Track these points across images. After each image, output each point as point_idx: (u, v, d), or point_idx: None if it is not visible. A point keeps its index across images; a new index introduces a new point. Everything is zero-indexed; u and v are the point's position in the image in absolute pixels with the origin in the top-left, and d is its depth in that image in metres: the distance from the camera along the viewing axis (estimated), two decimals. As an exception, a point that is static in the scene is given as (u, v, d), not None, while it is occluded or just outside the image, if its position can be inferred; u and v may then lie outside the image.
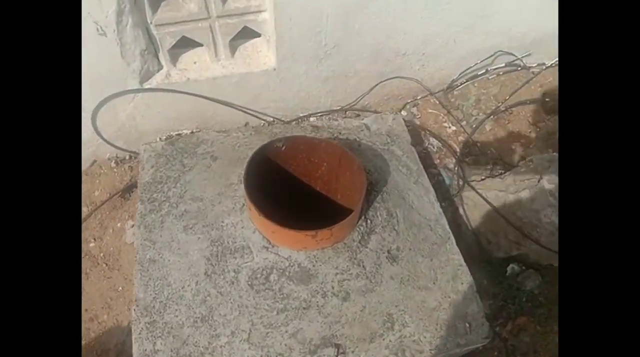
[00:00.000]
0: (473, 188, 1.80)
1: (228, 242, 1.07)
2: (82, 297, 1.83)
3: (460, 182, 1.85)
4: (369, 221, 1.11)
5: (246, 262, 1.04)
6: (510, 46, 2.01)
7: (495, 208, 1.72)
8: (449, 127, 2.01)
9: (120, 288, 1.86)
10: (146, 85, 1.68)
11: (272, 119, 1.95)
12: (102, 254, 1.90)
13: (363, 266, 1.06)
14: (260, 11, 1.61)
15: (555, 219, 1.60)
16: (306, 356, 1.01)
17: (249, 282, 1.03)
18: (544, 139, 2.01)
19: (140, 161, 1.36)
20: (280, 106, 1.91)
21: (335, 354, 1.02)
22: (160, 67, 1.70)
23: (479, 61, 2.00)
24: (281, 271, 1.03)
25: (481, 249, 1.83)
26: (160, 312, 1.07)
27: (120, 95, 1.69)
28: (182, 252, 1.12)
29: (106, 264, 1.88)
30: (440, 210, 1.29)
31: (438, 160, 1.93)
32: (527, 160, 1.82)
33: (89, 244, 1.92)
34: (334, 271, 1.04)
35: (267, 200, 1.10)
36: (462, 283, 1.16)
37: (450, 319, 1.11)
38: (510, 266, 1.89)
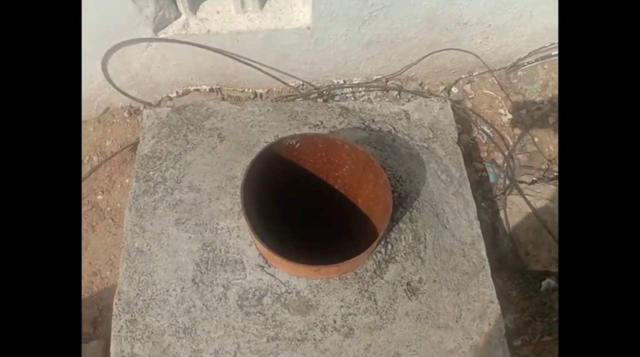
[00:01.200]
0: (520, 192, 1.55)
1: (220, 250, 0.92)
2: (87, 250, 1.77)
3: (507, 182, 1.60)
4: (389, 246, 0.92)
5: (237, 279, 0.89)
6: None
7: (543, 221, 1.49)
8: (505, 115, 1.72)
9: (122, 247, 1.80)
10: (160, 35, 1.48)
11: (301, 83, 1.72)
12: (108, 208, 1.82)
13: (374, 300, 0.89)
14: (297, -43, 1.33)
15: (614, 248, 1.36)
16: (295, 390, 0.88)
17: (239, 302, 0.89)
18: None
19: (141, 128, 1.20)
20: (312, 70, 1.67)
21: None
22: (178, 14, 1.48)
23: (556, 40, 1.65)
24: (276, 296, 0.88)
25: (517, 260, 1.62)
26: (142, 312, 0.96)
27: (132, 43, 1.50)
28: (171, 249, 0.98)
29: (112, 220, 1.81)
30: (479, 231, 1.08)
31: (485, 153, 1.67)
32: (593, 169, 1.53)
33: (97, 196, 1.84)
34: (339, 304, 0.88)
35: (272, 199, 0.93)
36: (489, 324, 0.98)
37: (469, 368, 0.95)
38: (547, 280, 1.68)
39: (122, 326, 0.96)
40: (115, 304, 0.99)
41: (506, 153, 1.62)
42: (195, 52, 1.54)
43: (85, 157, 1.89)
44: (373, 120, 1.20)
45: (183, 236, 0.98)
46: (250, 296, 0.88)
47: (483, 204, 1.62)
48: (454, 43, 1.65)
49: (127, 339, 0.95)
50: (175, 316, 0.93)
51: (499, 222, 1.62)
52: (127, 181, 1.83)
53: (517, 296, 1.64)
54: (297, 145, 0.91)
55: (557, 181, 1.60)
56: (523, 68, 1.77)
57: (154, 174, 1.10)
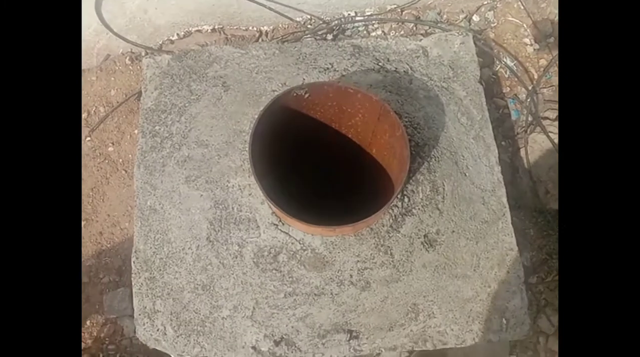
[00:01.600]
0: (544, 129, 1.47)
1: (233, 209, 0.90)
2: (104, 202, 1.80)
3: (530, 119, 1.51)
4: (406, 199, 0.88)
5: (252, 238, 0.88)
6: None
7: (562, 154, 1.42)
8: (530, 45, 1.58)
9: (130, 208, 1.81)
10: (154, -30, 1.35)
11: (308, 17, 1.59)
12: (120, 160, 1.81)
13: (391, 254, 0.88)
14: None
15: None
16: (314, 339, 0.91)
17: (254, 260, 0.88)
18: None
19: (142, 79, 1.14)
20: (320, 2, 1.53)
21: (348, 338, 0.91)
22: (171, -55, 1.34)
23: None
24: (291, 253, 0.87)
25: (536, 198, 1.58)
26: (160, 270, 0.97)
27: (122, -18, 1.38)
28: (183, 207, 0.96)
29: (125, 171, 1.81)
30: (500, 176, 1.03)
31: (508, 88, 1.56)
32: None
33: (108, 148, 1.83)
34: (355, 259, 0.87)
35: (282, 154, 0.89)
36: (508, 272, 0.97)
37: (486, 313, 0.95)
38: (565, 218, 1.64)
39: (142, 284, 0.98)
40: (134, 262, 1.00)
41: (530, 87, 1.51)
42: (194, -12, 1.42)
43: (92, 108, 1.85)
44: (388, 60, 1.10)
45: (194, 194, 0.95)
46: (265, 254, 0.88)
47: (503, 143, 1.55)
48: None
49: (148, 296, 0.97)
50: (193, 274, 0.94)
51: (519, 160, 1.55)
52: (135, 131, 1.79)
53: (534, 234, 1.62)
54: (307, 95, 0.84)
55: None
56: (555, -11, 1.60)
57: (160, 129, 1.06)
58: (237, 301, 0.90)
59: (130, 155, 1.81)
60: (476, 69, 1.12)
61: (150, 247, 0.99)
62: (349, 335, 0.91)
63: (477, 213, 0.98)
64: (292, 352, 0.91)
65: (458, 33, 1.15)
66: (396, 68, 1.09)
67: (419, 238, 0.89)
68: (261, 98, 0.98)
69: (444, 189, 0.93)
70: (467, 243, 0.95)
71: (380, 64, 1.10)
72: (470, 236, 0.96)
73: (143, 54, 1.76)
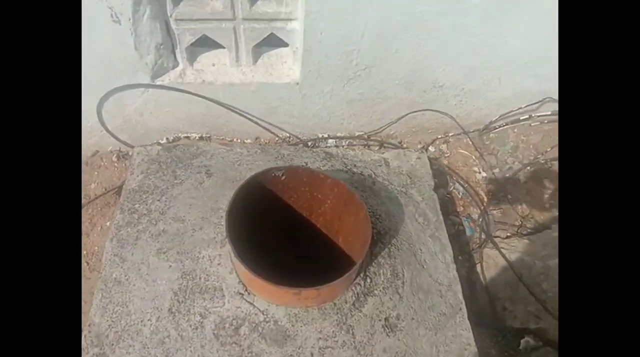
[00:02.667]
0: (496, 245, 1.60)
1: (200, 278, 0.92)
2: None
3: (483, 237, 1.65)
4: (368, 280, 0.94)
5: (216, 308, 0.88)
6: (561, 94, 1.81)
7: (518, 274, 1.52)
8: (479, 173, 1.82)
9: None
10: (158, 81, 1.57)
11: (287, 135, 1.81)
12: (85, 252, 1.78)
13: (352, 334, 0.89)
14: (290, 19, 1.47)
15: (587, 299, 1.39)
16: None
17: (215, 332, 0.87)
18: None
19: (130, 164, 1.24)
20: (299, 123, 1.76)
21: None
22: (176, 64, 1.58)
23: (523, 105, 1.81)
24: (254, 325, 0.87)
25: (494, 315, 1.62)
26: (112, 345, 0.93)
27: (129, 88, 1.58)
28: (149, 278, 0.97)
29: (87, 263, 1.76)
30: (456, 274, 1.11)
31: (462, 208, 1.74)
32: (563, 224, 1.60)
33: (75, 239, 1.80)
34: (317, 336, 0.87)
35: (256, 231, 0.95)
36: (467, 368, 0.98)
37: (447, 412, 0.92)
38: (525, 339, 1.67)
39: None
40: (84, 336, 0.95)
41: (481, 208, 1.69)
42: (188, 100, 1.63)
43: (67, 199, 1.88)
44: (355, 165, 1.26)
45: (163, 265, 0.98)
46: (227, 325, 0.87)
47: (460, 258, 1.66)
48: (430, 104, 1.78)
49: None
50: (148, 348, 0.90)
51: (475, 275, 1.64)
52: (107, 223, 1.82)
53: (495, 354, 1.62)
54: (283, 177, 0.95)
55: (531, 237, 1.66)
56: (495, 131, 1.91)
57: (139, 207, 1.12)
58: (190, 380, 0.86)
59: (96, 248, 1.80)
60: (431, 180, 1.29)
61: (107, 320, 0.96)
62: None
63: (435, 305, 1.02)
64: None
65: (415, 150, 1.35)
66: (361, 172, 1.24)
67: (380, 320, 0.92)
68: (241, 182, 1.08)
69: (403, 275, 0.99)
70: (426, 333, 0.97)
71: (347, 167, 1.25)
72: (430, 326, 0.99)
73: (130, 153, 1.88)
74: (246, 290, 0.88)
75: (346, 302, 0.90)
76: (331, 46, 1.50)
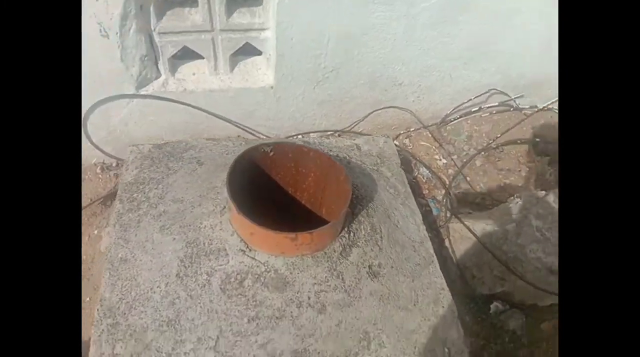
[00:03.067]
0: (460, 220, 1.78)
1: (204, 244, 1.04)
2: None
3: (448, 214, 1.83)
4: (352, 233, 1.08)
5: (221, 265, 1.00)
6: (505, 86, 2.06)
7: (481, 241, 1.70)
8: (440, 160, 2.02)
9: (88, 299, 1.78)
10: (142, 91, 1.69)
11: (264, 138, 1.95)
12: (75, 260, 1.82)
13: (342, 279, 1.03)
14: (263, 29, 1.64)
15: (541, 255, 1.58)
16: (274, 370, 0.95)
17: (222, 287, 0.98)
18: (532, 178, 2.02)
19: (125, 162, 1.34)
20: (274, 125, 1.92)
21: None
22: (159, 75, 1.72)
23: (472, 97, 2.04)
24: (256, 276, 0.99)
25: (465, 284, 1.79)
26: (125, 314, 1.02)
27: (115, 99, 1.69)
28: (155, 252, 1.08)
29: (78, 271, 1.80)
30: (426, 233, 1.27)
31: (427, 191, 1.92)
32: (516, 197, 1.81)
33: (64, 249, 1.84)
34: (312, 281, 1.00)
35: (250, 203, 1.08)
36: (443, 307, 1.12)
37: (429, 343, 1.06)
38: (494, 304, 1.84)
39: (102, 330, 1.01)
40: (97, 310, 1.04)
41: (445, 189, 1.88)
42: (171, 108, 1.75)
43: (53, 212, 1.92)
44: (330, 150, 1.42)
45: (167, 239, 1.08)
46: (232, 280, 0.99)
47: (429, 235, 1.83)
48: (392, 102, 1.98)
49: (108, 341, 0.99)
50: (159, 311, 1.00)
51: (445, 250, 1.81)
52: (95, 232, 1.88)
53: (470, 320, 1.78)
54: (271, 153, 1.10)
55: (489, 210, 1.85)
56: (451, 123, 2.13)
57: (137, 196, 1.23)
58: (201, 332, 0.96)
59: (85, 256, 1.85)
60: (397, 159, 1.47)
61: (117, 295, 1.05)
62: None
63: (410, 257, 1.18)
64: None
65: (382, 135, 1.53)
66: (337, 154, 1.40)
67: (364, 267, 1.06)
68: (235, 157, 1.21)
69: (381, 231, 1.14)
70: (405, 279, 1.12)
71: (324, 151, 1.41)
72: (407, 274, 1.13)
73: (114, 164, 1.97)
74: (247, 247, 1.00)
75: (334, 252, 1.03)
76: (301, 51, 1.68)
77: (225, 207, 1.06)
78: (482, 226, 1.75)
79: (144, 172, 1.29)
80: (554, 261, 1.57)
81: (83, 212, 1.87)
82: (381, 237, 1.12)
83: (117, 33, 1.49)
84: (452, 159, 2.02)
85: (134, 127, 1.81)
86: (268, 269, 0.99)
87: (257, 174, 1.10)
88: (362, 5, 1.58)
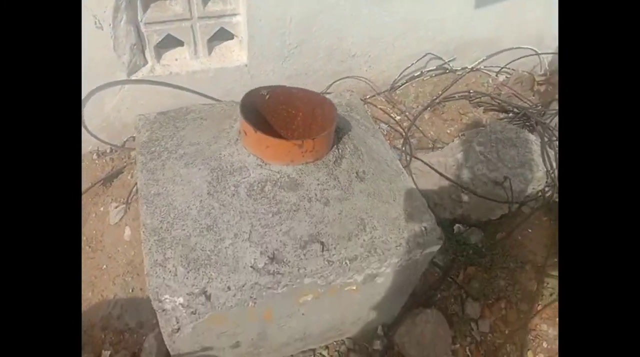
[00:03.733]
0: (419, 159, 2.16)
1: (226, 167, 1.31)
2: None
3: (409, 158, 2.20)
4: (339, 150, 1.39)
5: (244, 178, 1.27)
6: (439, 51, 2.49)
7: (438, 171, 2.08)
8: (395, 117, 2.40)
9: (105, 266, 1.98)
10: (133, 77, 1.93)
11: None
12: (85, 238, 2.02)
13: (338, 180, 1.33)
14: (234, 14, 1.95)
15: (486, 172, 1.98)
16: (297, 250, 1.24)
17: (248, 193, 1.26)
18: (472, 124, 2.45)
19: (136, 128, 1.58)
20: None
21: (321, 249, 1.26)
22: (146, 62, 1.97)
23: (414, 62, 2.45)
24: (274, 182, 1.27)
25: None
26: (168, 230, 1.26)
27: (108, 87, 1.92)
28: (185, 182, 1.33)
29: (89, 247, 2.00)
30: (393, 155, 1.61)
31: (388, 141, 2.29)
32: (461, 135, 2.22)
33: (71, 231, 2.02)
34: (316, 182, 1.30)
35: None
36: (416, 201, 1.46)
37: (409, 225, 1.39)
38: (456, 225, 2.23)
39: (151, 245, 1.25)
40: (143, 232, 1.27)
41: (403, 137, 2.26)
42: (158, 91, 2.01)
43: (55, 200, 2.09)
44: (308, 103, 1.74)
45: (193, 170, 1.35)
46: (255, 187, 1.26)
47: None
48: (348, 72, 2.35)
49: (157, 251, 1.23)
50: (198, 221, 1.26)
51: (410, 187, 2.17)
52: (101, 209, 2.08)
53: (439, 243, 2.13)
54: (267, 96, 1.40)
55: (441, 149, 2.24)
56: (399, 88, 2.53)
57: (155, 148, 1.48)
58: (236, 229, 1.23)
59: (94, 231, 2.05)
60: (363, 107, 1.81)
61: (157, 219, 1.29)
62: (321, 246, 1.26)
63: (385, 169, 1.51)
64: (282, 267, 1.22)
65: (347, 91, 1.87)
66: (314, 105, 1.72)
67: (353, 173, 1.38)
68: (233, 117, 1.49)
69: (361, 150, 1.47)
70: (384, 183, 1.45)
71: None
72: (385, 179, 1.47)
73: (108, 150, 2.17)
74: (263, 161, 1.28)
75: (330, 161, 1.34)
76: (269, 32, 2.00)
77: (237, 139, 1.34)
78: (437, 159, 2.13)
79: (155, 132, 1.54)
80: (496, 175, 1.97)
81: (86, 194, 2.06)
82: (361, 153, 1.45)
83: (110, 24, 1.74)
84: (405, 115, 2.40)
85: (126, 113, 2.04)
86: (282, 176, 1.27)
87: (256, 116, 1.39)
88: (316, -13, 1.93)
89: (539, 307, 2.07)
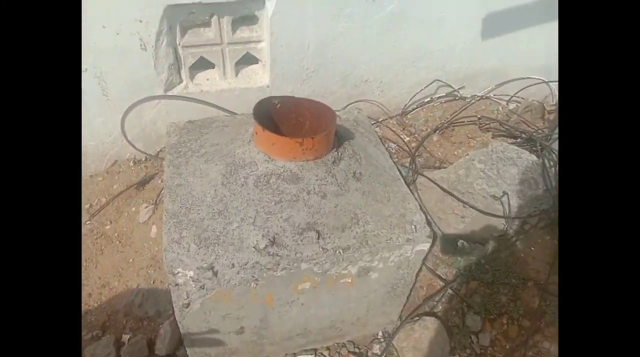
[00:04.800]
0: (424, 175, 2.31)
1: (239, 162, 1.53)
2: (96, 269, 2.15)
3: (415, 175, 2.36)
4: (339, 152, 1.59)
5: (252, 171, 1.48)
6: (448, 79, 2.69)
7: (441, 186, 2.22)
8: (405, 138, 2.59)
9: (132, 260, 2.21)
10: (169, 93, 2.22)
11: (264, 131, 2.48)
12: (116, 234, 2.27)
13: (335, 178, 1.52)
14: (259, 41, 2.24)
15: (485, 187, 2.11)
16: (295, 235, 1.42)
17: (255, 184, 1.46)
18: (479, 147, 2.60)
19: (167, 133, 1.84)
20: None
21: (317, 237, 1.43)
22: (181, 80, 2.27)
23: (424, 88, 2.65)
24: (278, 175, 1.47)
25: (432, 227, 2.27)
26: (186, 214, 1.48)
27: (147, 101, 2.22)
28: (203, 175, 1.56)
29: (119, 242, 2.25)
30: (392, 164, 1.79)
31: (397, 159, 2.46)
32: (464, 154, 2.37)
33: (105, 227, 2.29)
34: (315, 177, 1.49)
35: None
36: (409, 203, 1.62)
37: (400, 223, 1.54)
38: (460, 241, 2.34)
39: (170, 225, 1.46)
40: (164, 216, 1.49)
41: (410, 156, 2.42)
42: (190, 107, 2.29)
43: (94, 201, 2.38)
44: (318, 117, 1.96)
45: (211, 165, 1.57)
46: (262, 179, 1.47)
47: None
48: (362, 96, 2.57)
49: (175, 231, 1.44)
50: (211, 206, 1.47)
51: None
52: (133, 209, 2.34)
53: (443, 256, 2.26)
54: (278, 105, 1.63)
55: (446, 168, 2.39)
56: (410, 113, 2.72)
57: (182, 149, 1.72)
58: (243, 214, 1.43)
59: (125, 229, 2.30)
60: (369, 122, 2.01)
61: (177, 205, 1.51)
62: (317, 234, 1.43)
63: (382, 174, 1.69)
64: (281, 250, 1.40)
65: (355, 108, 2.08)
66: (324, 119, 1.94)
67: (350, 173, 1.56)
68: (250, 123, 1.72)
69: (360, 154, 1.65)
70: (379, 186, 1.62)
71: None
72: (381, 183, 1.64)
73: (144, 159, 2.46)
74: (269, 158, 1.49)
75: (329, 160, 1.54)
76: (289, 56, 2.27)
77: (250, 140, 1.57)
78: (440, 175, 2.28)
79: (183, 136, 1.80)
80: (495, 191, 2.09)
81: (121, 196, 2.33)
82: (360, 158, 1.64)
83: (152, 46, 2.05)
84: (414, 137, 2.58)
85: (160, 125, 2.33)
86: (285, 170, 1.47)
87: (269, 123, 1.61)
88: (330, 19, 2.20)
89: (541, 325, 2.11)
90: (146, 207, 2.22)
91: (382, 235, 1.50)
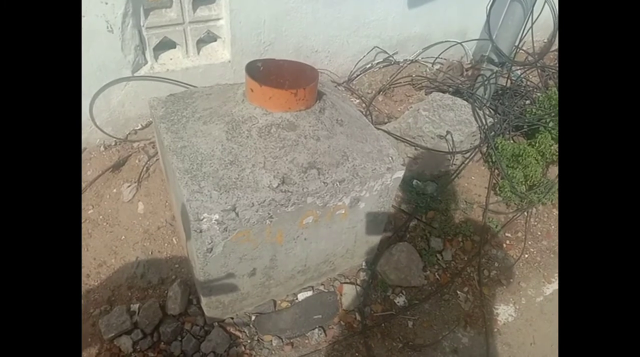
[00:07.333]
0: (379, 128, 2.66)
1: (239, 119, 1.72)
2: (88, 252, 2.20)
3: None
4: (322, 103, 1.85)
5: (254, 124, 1.69)
6: (384, 46, 3.05)
7: (394, 134, 2.59)
8: (355, 100, 2.91)
9: (123, 237, 2.30)
10: (136, 74, 2.31)
11: (227, 105, 2.65)
12: (101, 216, 2.33)
13: (324, 124, 1.79)
14: (219, 19, 2.41)
15: (432, 129, 2.50)
16: (301, 174, 1.66)
17: (259, 135, 1.68)
18: (416, 101, 3.01)
19: (151, 106, 1.96)
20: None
21: (317, 174, 1.69)
22: (146, 62, 2.36)
23: (365, 54, 2.99)
24: (277, 125, 1.70)
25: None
26: (199, 169, 1.65)
27: (116, 83, 2.28)
28: (206, 134, 1.73)
29: (107, 223, 2.31)
30: (361, 114, 2.09)
31: (352, 118, 2.78)
32: (409, 107, 2.76)
33: (88, 212, 2.33)
34: (309, 124, 1.74)
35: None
36: (382, 142, 1.94)
37: (380, 157, 1.86)
38: (414, 181, 2.73)
39: (187, 181, 1.63)
40: (178, 172, 1.65)
41: (363, 111, 2.76)
42: (157, 87, 2.40)
43: (69, 188, 2.39)
44: (288, 82, 2.20)
45: (211, 126, 1.75)
46: (264, 130, 1.69)
47: (362, 145, 2.67)
48: (313, 65, 2.83)
49: (194, 183, 1.61)
50: (222, 159, 1.65)
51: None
52: (114, 190, 2.40)
53: (403, 194, 2.62)
54: (261, 68, 1.84)
55: (395, 120, 2.76)
56: (355, 79, 3.05)
57: (174, 117, 1.87)
58: (254, 161, 1.64)
59: (110, 210, 2.36)
60: (332, 83, 2.29)
61: (187, 162, 1.67)
62: (317, 171, 1.69)
63: (356, 121, 1.99)
64: (290, 187, 1.64)
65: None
66: (294, 82, 2.18)
67: (334, 120, 1.84)
68: (233, 90, 1.91)
69: (338, 105, 1.93)
70: (357, 129, 1.92)
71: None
72: (358, 126, 1.94)
73: (113, 143, 2.50)
74: (267, 111, 1.71)
75: (317, 110, 1.80)
76: (247, 32, 2.46)
77: (243, 99, 1.77)
78: (393, 126, 2.64)
79: (169, 107, 1.93)
80: (440, 131, 2.49)
81: (98, 180, 2.37)
82: (338, 108, 1.92)
83: (119, 28, 2.13)
84: (361, 99, 2.92)
85: (129, 107, 2.41)
86: (283, 120, 1.71)
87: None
88: (284, -7, 2.43)
89: (488, 237, 2.58)
90: (129, 186, 2.29)
91: (367, 167, 1.80)
